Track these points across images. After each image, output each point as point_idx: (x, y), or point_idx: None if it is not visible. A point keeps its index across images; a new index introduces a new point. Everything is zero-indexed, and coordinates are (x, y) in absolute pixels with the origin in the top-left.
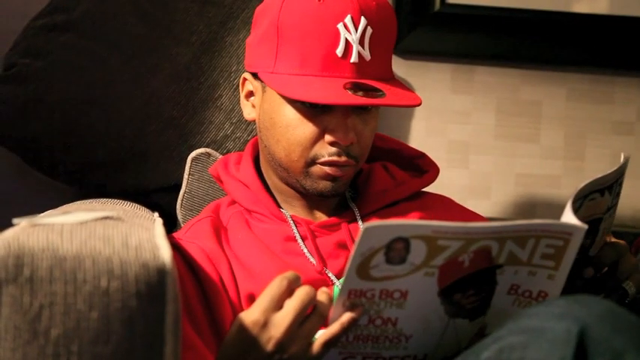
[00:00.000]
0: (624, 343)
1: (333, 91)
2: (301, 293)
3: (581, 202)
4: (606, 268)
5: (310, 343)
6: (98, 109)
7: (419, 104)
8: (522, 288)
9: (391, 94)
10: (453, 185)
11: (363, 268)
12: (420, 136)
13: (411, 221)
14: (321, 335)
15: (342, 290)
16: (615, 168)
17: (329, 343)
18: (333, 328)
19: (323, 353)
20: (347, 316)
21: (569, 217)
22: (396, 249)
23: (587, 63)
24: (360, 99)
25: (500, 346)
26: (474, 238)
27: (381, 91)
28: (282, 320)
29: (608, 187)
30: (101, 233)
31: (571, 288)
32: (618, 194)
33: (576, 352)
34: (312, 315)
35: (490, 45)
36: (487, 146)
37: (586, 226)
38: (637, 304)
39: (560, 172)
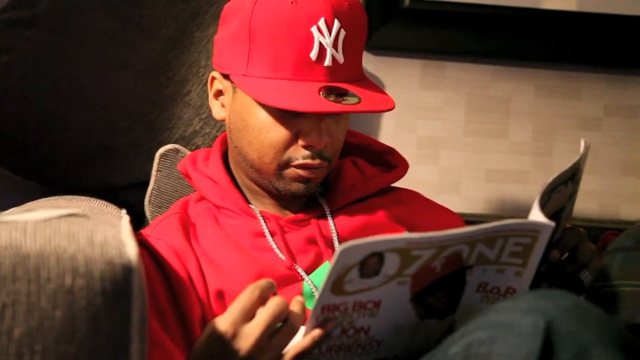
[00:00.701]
0: (590, 337)
1: (308, 98)
2: (273, 304)
3: (549, 196)
4: (567, 254)
5: (280, 356)
6: (65, 104)
7: (392, 108)
8: (490, 285)
9: (366, 99)
10: (423, 181)
11: (337, 285)
12: (390, 132)
13: (386, 237)
14: (292, 348)
15: (315, 306)
16: (577, 157)
17: (300, 356)
18: (305, 341)
19: None
20: (318, 331)
21: (536, 215)
22: (370, 264)
23: (556, 59)
24: (336, 106)
25: (469, 341)
26: (446, 245)
27: (354, 94)
28: (251, 332)
29: (571, 176)
30: (65, 230)
31: (536, 274)
32: (579, 180)
33: (543, 346)
34: (283, 327)
35: (460, 41)
36: (457, 142)
37: (553, 224)
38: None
39: (529, 168)
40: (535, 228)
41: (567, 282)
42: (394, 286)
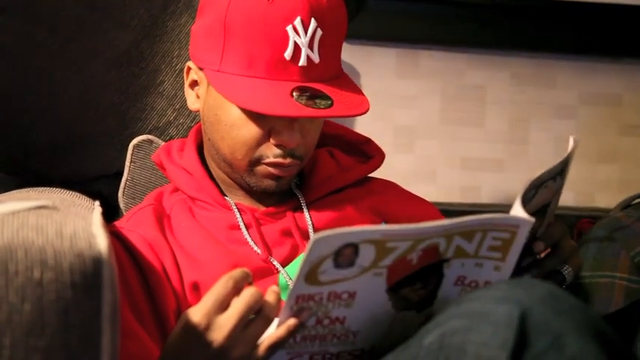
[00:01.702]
0: (564, 326)
1: (280, 100)
2: (247, 295)
3: (535, 190)
4: (549, 249)
5: (255, 346)
6: (35, 94)
7: (365, 112)
8: (469, 279)
9: (339, 102)
10: (399, 170)
11: (311, 275)
12: (366, 121)
13: (361, 228)
14: (267, 338)
15: (289, 296)
16: (567, 154)
17: (275, 346)
18: (279, 331)
19: (268, 356)
20: (293, 321)
21: (517, 210)
22: (345, 254)
23: (531, 47)
24: (307, 110)
25: (443, 331)
26: (422, 237)
27: (327, 96)
28: (225, 323)
29: (560, 172)
30: (34, 223)
31: (518, 268)
32: (566, 175)
33: (518, 335)
34: (257, 317)
35: (435, 29)
36: (432, 131)
37: (533, 220)
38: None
39: (504, 156)
40: (514, 223)
41: (548, 277)
42: (370, 277)
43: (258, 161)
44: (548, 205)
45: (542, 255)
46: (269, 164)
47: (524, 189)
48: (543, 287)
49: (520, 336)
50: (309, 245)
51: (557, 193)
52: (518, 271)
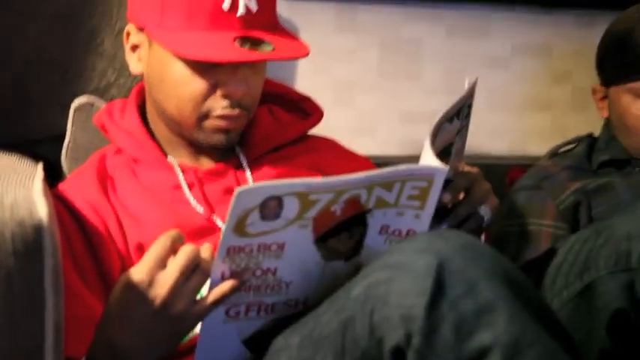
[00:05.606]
0: (478, 273)
1: (224, 47)
2: (185, 251)
3: (436, 133)
4: (462, 196)
5: (194, 302)
6: None
7: (307, 54)
8: (392, 228)
9: (280, 47)
10: (339, 125)
11: (239, 227)
12: (306, 76)
13: (283, 181)
14: (210, 295)
15: (220, 247)
16: (462, 95)
17: (216, 303)
18: (215, 294)
19: (209, 312)
20: (229, 284)
21: (430, 159)
22: (270, 207)
23: None
24: (251, 54)
25: (369, 282)
26: (343, 189)
27: (268, 42)
28: (166, 278)
29: (456, 113)
30: None
31: (435, 216)
32: (468, 115)
33: (436, 283)
34: (195, 272)
35: None
36: (371, 85)
37: (447, 168)
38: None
39: (442, 108)
40: (430, 172)
41: (467, 220)
42: (296, 228)
43: (206, 116)
44: (451, 146)
45: (459, 200)
46: (217, 117)
47: (430, 136)
48: (461, 238)
49: (437, 284)
50: (233, 198)
51: (460, 134)
52: (438, 221)
